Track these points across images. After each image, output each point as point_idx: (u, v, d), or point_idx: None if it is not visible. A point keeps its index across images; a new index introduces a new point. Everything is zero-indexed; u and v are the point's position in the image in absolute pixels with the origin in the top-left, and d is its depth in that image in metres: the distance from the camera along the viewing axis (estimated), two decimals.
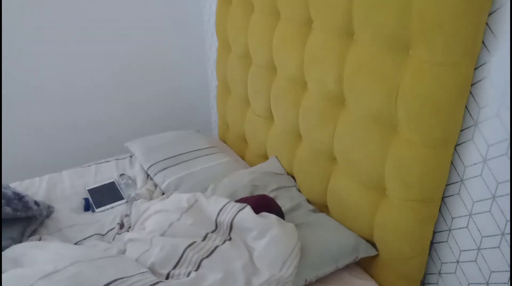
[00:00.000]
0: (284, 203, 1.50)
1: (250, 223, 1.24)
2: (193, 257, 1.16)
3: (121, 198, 1.72)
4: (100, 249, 1.28)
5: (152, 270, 1.15)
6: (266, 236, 1.21)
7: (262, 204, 1.36)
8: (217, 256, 1.17)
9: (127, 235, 1.32)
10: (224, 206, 1.32)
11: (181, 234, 1.25)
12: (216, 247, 1.20)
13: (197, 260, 1.15)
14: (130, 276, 1.06)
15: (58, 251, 1.18)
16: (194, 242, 1.21)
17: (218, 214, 1.31)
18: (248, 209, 1.28)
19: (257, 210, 1.31)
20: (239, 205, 1.30)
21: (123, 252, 1.30)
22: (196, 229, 1.27)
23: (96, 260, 1.11)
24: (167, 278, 1.13)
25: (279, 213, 1.36)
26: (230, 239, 1.25)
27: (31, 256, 1.17)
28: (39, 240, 1.40)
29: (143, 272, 1.10)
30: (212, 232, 1.28)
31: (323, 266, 1.24)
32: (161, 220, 1.31)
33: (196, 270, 1.13)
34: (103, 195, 1.73)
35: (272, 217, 1.27)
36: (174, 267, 1.15)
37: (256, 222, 1.24)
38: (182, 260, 1.16)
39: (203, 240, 1.24)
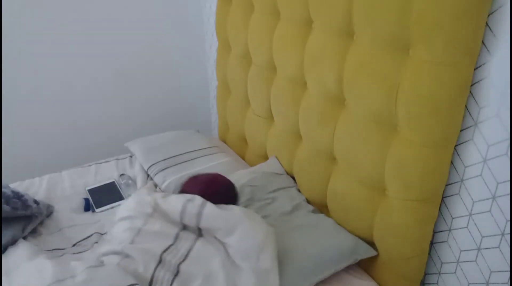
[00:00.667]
0: (284, 204, 1.50)
1: (216, 222, 1.23)
2: (172, 261, 1.16)
3: (121, 198, 1.72)
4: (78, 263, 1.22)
5: (135, 275, 1.14)
6: (235, 233, 1.20)
7: (214, 180, 1.36)
8: (193, 258, 1.17)
9: (100, 249, 1.29)
10: (184, 207, 1.27)
11: (150, 239, 1.22)
12: (190, 249, 1.20)
13: (175, 264, 1.16)
14: None
15: (35, 271, 1.16)
16: (169, 247, 1.20)
17: (182, 217, 1.27)
18: (209, 207, 1.25)
19: (207, 190, 1.31)
20: (199, 204, 1.26)
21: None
22: (165, 231, 1.25)
23: (81, 274, 1.10)
24: (151, 282, 1.12)
25: (229, 186, 1.37)
26: (202, 235, 1.25)
27: (19, 272, 1.17)
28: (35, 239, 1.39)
29: (134, 285, 1.08)
30: (182, 230, 1.27)
31: (322, 270, 1.23)
32: (127, 227, 1.27)
33: (175, 276, 1.13)
34: (103, 195, 1.73)
35: (236, 210, 1.25)
36: (155, 269, 1.15)
37: (222, 220, 1.22)
38: (161, 264, 1.16)
39: (175, 240, 1.23)
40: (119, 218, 1.33)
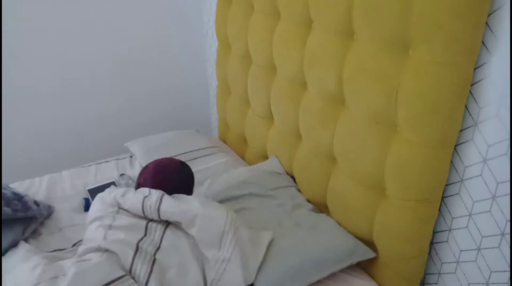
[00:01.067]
0: (284, 201, 1.50)
1: (174, 216, 1.25)
2: (147, 249, 1.18)
3: None
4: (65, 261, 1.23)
5: (119, 267, 1.15)
6: (195, 225, 1.23)
7: (169, 164, 1.38)
8: (166, 247, 1.20)
9: (78, 250, 1.29)
10: (142, 205, 1.28)
11: (123, 233, 1.23)
12: (162, 238, 1.23)
13: (151, 252, 1.18)
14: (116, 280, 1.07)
15: (26, 270, 1.17)
16: (142, 238, 1.22)
17: (144, 214, 1.29)
18: (166, 202, 1.26)
19: (157, 179, 1.34)
20: (154, 200, 1.27)
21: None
22: (134, 224, 1.26)
23: (70, 268, 1.11)
24: (130, 270, 1.14)
25: (178, 171, 1.38)
26: (168, 224, 1.28)
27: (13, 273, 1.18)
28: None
29: (124, 276, 1.10)
30: (150, 222, 1.28)
31: (319, 271, 1.23)
32: (98, 225, 1.28)
33: (153, 264, 1.15)
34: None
35: (193, 202, 1.27)
36: (133, 257, 1.16)
37: (179, 214, 1.24)
38: (138, 252, 1.17)
39: (146, 231, 1.25)
40: (88, 221, 1.34)
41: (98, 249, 1.19)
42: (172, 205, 1.25)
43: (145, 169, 1.40)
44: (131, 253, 1.17)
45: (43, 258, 1.23)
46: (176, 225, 1.28)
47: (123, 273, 1.11)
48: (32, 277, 1.11)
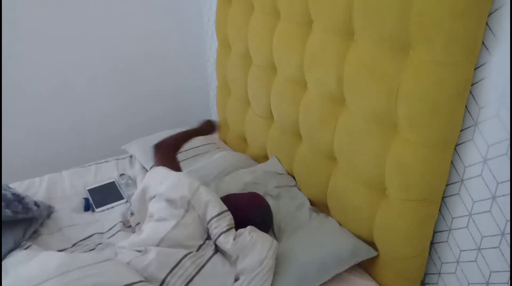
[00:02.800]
0: (286, 203, 1.50)
1: (228, 249, 1.23)
2: (189, 269, 1.16)
3: (121, 197, 1.72)
4: (90, 255, 1.23)
5: (146, 273, 1.14)
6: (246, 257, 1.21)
7: (252, 202, 1.37)
8: (207, 273, 1.18)
9: (120, 243, 1.29)
10: (210, 220, 1.27)
11: (176, 245, 1.22)
12: (207, 261, 1.21)
13: (191, 274, 1.16)
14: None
15: (44, 261, 1.15)
16: (190, 252, 1.20)
17: (209, 226, 1.28)
18: (225, 236, 1.24)
19: (247, 208, 1.34)
20: (222, 226, 1.25)
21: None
22: (190, 239, 1.25)
23: (86, 267, 1.10)
24: (162, 283, 1.13)
25: (267, 210, 1.39)
26: (217, 251, 1.26)
27: (17, 271, 1.16)
28: (29, 247, 1.37)
29: (139, 282, 1.08)
30: (205, 240, 1.27)
31: (324, 275, 1.23)
32: (158, 230, 1.26)
33: (188, 283, 1.14)
34: (103, 195, 1.73)
35: (246, 240, 1.23)
36: (170, 272, 1.15)
37: (233, 250, 1.22)
38: (178, 266, 1.16)
39: (199, 248, 1.24)
40: (157, 216, 1.29)
41: (142, 251, 1.19)
42: (230, 239, 1.23)
43: (239, 195, 1.41)
44: (168, 268, 1.15)
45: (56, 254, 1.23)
46: (222, 256, 1.26)
47: (139, 279, 1.09)
48: (46, 270, 1.10)
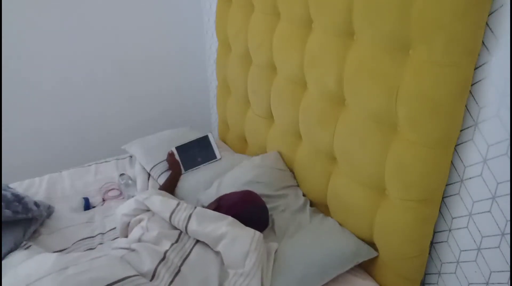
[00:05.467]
0: (289, 203, 1.50)
1: (201, 237, 1.25)
2: (174, 260, 1.18)
3: (214, 157, 1.77)
4: (85, 252, 1.28)
5: (138, 268, 1.16)
6: (220, 244, 1.22)
7: (245, 199, 1.38)
8: (193, 260, 1.20)
9: (112, 245, 1.33)
10: (171, 215, 1.31)
11: (153, 241, 1.25)
12: (191, 250, 1.23)
13: (177, 264, 1.18)
14: (121, 280, 1.07)
15: (41, 260, 1.18)
16: (172, 245, 1.23)
17: (171, 222, 1.32)
18: (193, 220, 1.27)
19: (240, 205, 1.35)
20: (182, 217, 1.29)
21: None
22: (167, 231, 1.28)
23: (82, 264, 1.12)
24: (153, 274, 1.14)
25: (262, 208, 1.39)
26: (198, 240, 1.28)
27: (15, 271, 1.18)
28: (29, 247, 1.38)
29: (134, 276, 1.10)
30: (181, 234, 1.29)
31: (326, 276, 1.23)
32: (136, 225, 1.36)
33: (176, 275, 1.15)
34: (194, 155, 1.77)
35: (222, 221, 1.26)
36: (159, 264, 1.17)
37: (205, 236, 1.24)
38: (165, 260, 1.18)
39: (178, 239, 1.26)
40: (122, 214, 1.41)
41: (128, 248, 1.22)
42: (200, 225, 1.25)
43: (232, 194, 1.42)
44: (157, 260, 1.17)
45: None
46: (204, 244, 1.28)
47: (133, 273, 1.10)
48: (43, 268, 1.11)
